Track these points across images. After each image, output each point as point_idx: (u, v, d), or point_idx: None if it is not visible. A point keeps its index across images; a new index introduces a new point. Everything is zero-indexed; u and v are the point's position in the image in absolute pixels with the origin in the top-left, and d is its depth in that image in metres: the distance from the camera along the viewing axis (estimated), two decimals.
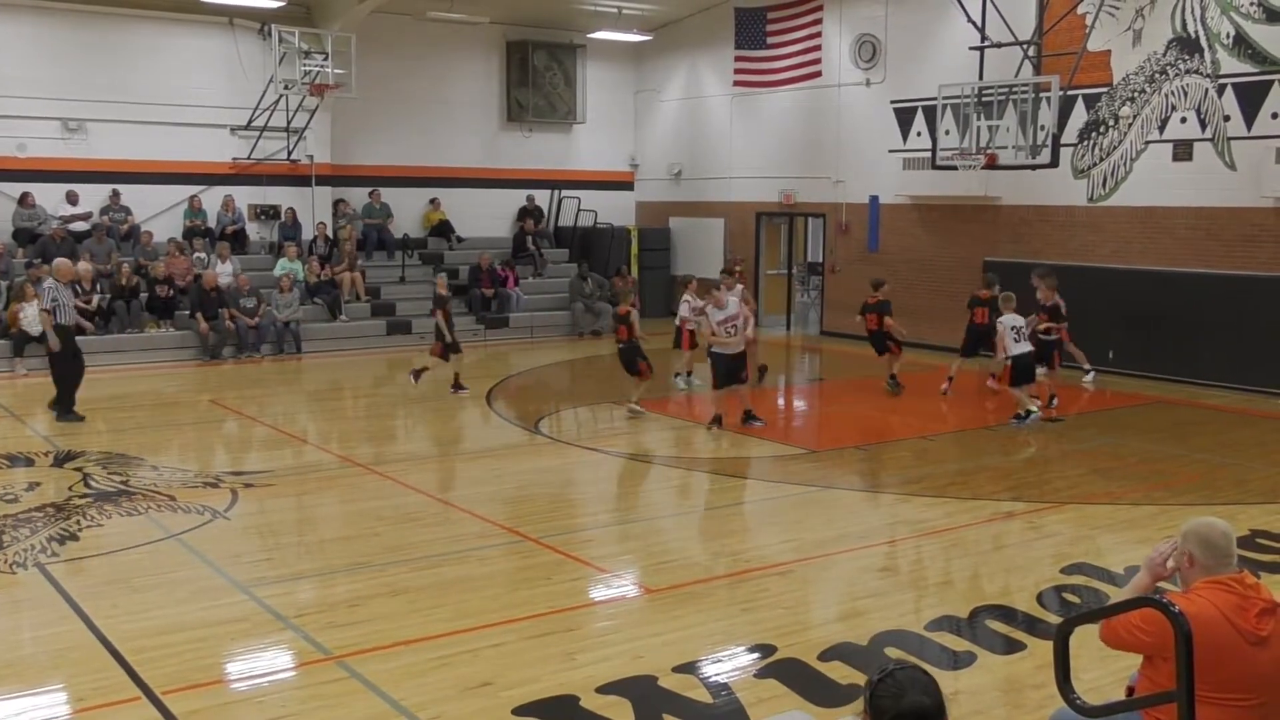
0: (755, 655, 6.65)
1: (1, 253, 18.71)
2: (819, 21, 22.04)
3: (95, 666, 6.44)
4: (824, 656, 6.58)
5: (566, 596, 7.76)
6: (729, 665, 6.54)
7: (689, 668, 6.43)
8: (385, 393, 17.15)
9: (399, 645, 6.75)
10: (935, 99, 17.83)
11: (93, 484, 10.50)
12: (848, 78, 21.71)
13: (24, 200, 19.75)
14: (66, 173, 20.18)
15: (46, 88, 19.78)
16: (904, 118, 20.69)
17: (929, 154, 19.05)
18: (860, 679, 6.09)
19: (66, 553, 8.48)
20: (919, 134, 20.35)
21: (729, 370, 13.20)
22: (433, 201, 24.18)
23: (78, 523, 9.22)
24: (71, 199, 20.25)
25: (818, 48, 22.14)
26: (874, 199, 21.41)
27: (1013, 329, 13.53)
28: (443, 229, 24.03)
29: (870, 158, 21.35)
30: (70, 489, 10.30)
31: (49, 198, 20.13)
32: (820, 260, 24.02)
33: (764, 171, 23.60)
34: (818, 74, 22.18)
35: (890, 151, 20.90)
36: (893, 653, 6.66)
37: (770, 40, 22.85)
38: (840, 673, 6.37)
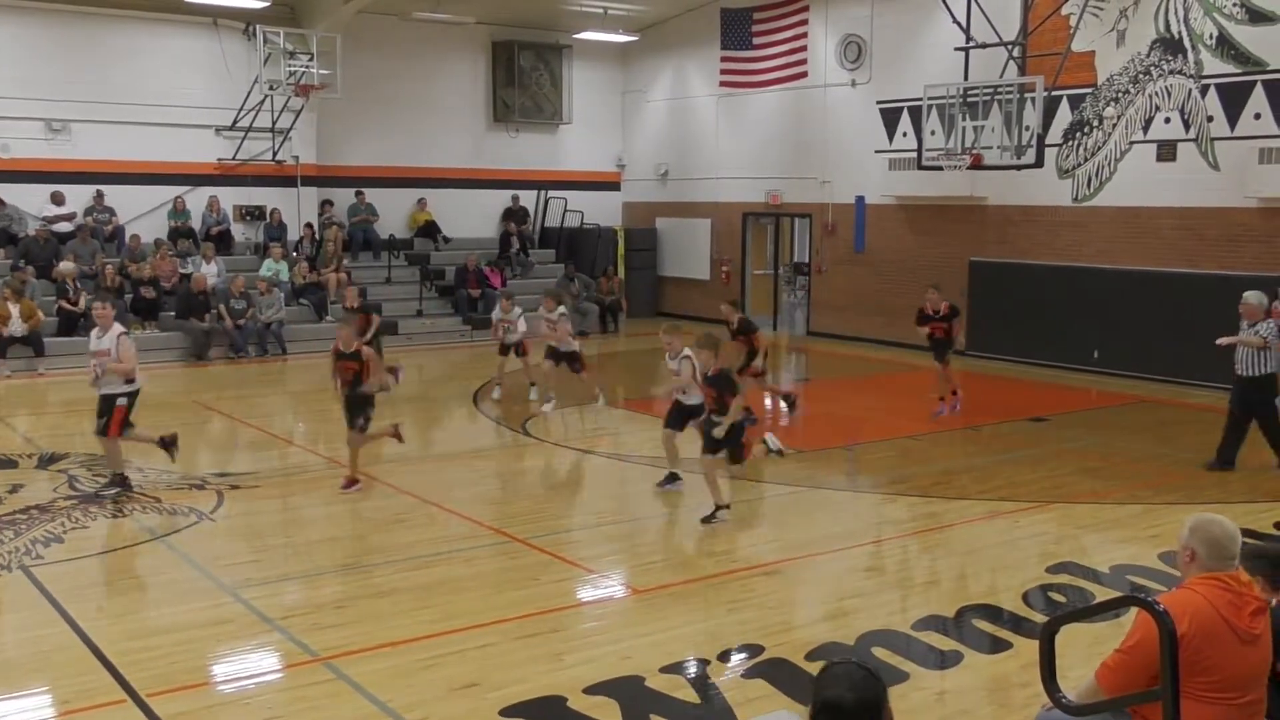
0: (743, 655, 6.66)
1: None
2: (805, 22, 22.07)
3: (80, 669, 6.41)
4: (811, 656, 6.59)
5: (554, 597, 7.75)
6: (716, 665, 6.54)
7: (676, 668, 6.43)
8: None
9: (386, 646, 6.74)
10: (921, 99, 17.88)
11: (78, 486, 10.45)
12: (833, 78, 21.75)
13: None
14: (50, 173, 20.09)
15: (30, 88, 19.68)
16: (890, 118, 20.74)
17: (915, 154, 19.09)
18: None
19: (51, 555, 8.44)
20: (905, 134, 20.40)
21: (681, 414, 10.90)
22: (419, 202, 24.14)
23: (62, 525, 9.18)
24: (56, 200, 20.15)
25: (803, 48, 22.17)
26: (860, 199, 21.45)
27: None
28: (429, 230, 24.00)
29: (856, 158, 21.40)
30: (55, 491, 10.25)
31: (33, 199, 20.03)
32: (807, 260, 24.06)
33: (750, 172, 23.62)
34: (804, 74, 22.22)
35: (876, 152, 20.94)
36: (879, 653, 6.68)
37: (756, 41, 22.88)
38: None
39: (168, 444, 10.66)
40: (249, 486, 10.62)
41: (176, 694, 6.09)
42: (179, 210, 21.27)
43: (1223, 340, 11.49)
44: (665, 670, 6.38)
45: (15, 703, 6.09)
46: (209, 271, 19.98)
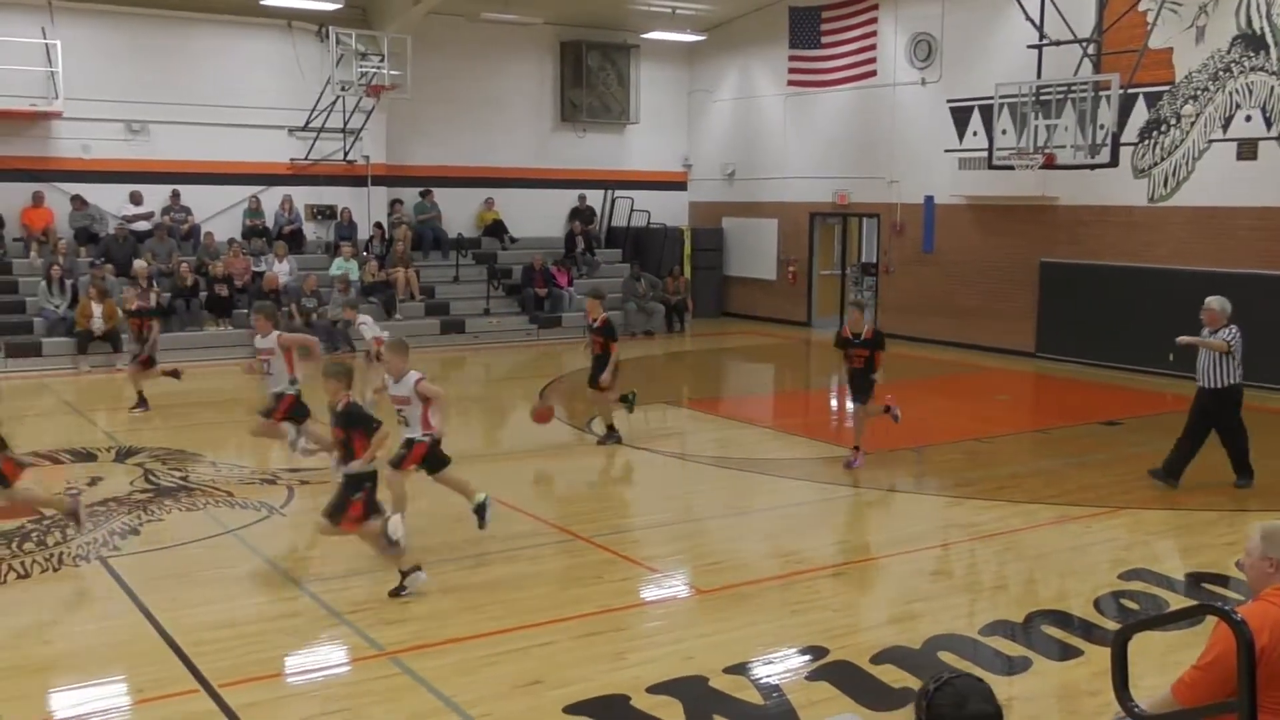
0: (807, 657, 6.62)
1: (65, 252, 19.07)
2: (874, 20, 21.88)
3: (154, 659, 6.55)
4: (876, 659, 6.54)
5: (617, 596, 7.77)
6: (780, 667, 6.52)
7: (740, 669, 6.41)
8: None
9: (450, 642, 6.80)
10: (992, 98, 17.65)
11: (153, 479, 10.68)
12: (903, 77, 21.54)
13: (76, 203, 20.08)
14: (129, 173, 20.54)
15: (110, 90, 20.14)
16: (960, 117, 20.49)
17: (985, 154, 18.86)
18: (913, 683, 6.06)
19: (128, 546, 8.63)
20: (975, 133, 20.14)
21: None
22: (487, 201, 24.32)
23: (139, 517, 9.39)
24: (135, 199, 20.61)
25: (873, 47, 21.98)
26: (929, 199, 21.22)
27: None
28: (496, 229, 24.17)
29: (925, 157, 21.17)
30: (131, 484, 10.48)
31: (112, 198, 20.50)
32: (874, 261, 23.86)
33: (818, 171, 23.48)
34: (872, 73, 22.03)
35: (946, 151, 20.70)
36: (946, 657, 6.60)
37: (825, 40, 22.72)
38: (892, 676, 6.33)
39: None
40: (318, 482, 10.76)
41: (247, 685, 6.20)
42: (254, 209, 21.66)
43: (1183, 339, 10.79)
44: (729, 671, 6.37)
45: (93, 690, 6.25)
46: (281, 270, 20.30)
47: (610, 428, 12.77)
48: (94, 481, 10.58)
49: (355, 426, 7.70)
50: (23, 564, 8.14)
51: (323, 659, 6.74)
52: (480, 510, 8.62)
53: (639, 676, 6.28)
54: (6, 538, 8.67)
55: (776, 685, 6.23)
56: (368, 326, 15.00)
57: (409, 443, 8.53)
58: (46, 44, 19.35)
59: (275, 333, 10.92)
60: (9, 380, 16.86)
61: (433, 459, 8.61)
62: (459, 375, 16.02)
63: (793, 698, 6.07)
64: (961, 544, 9.11)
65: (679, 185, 26.96)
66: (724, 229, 26.01)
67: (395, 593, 7.55)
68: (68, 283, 18.59)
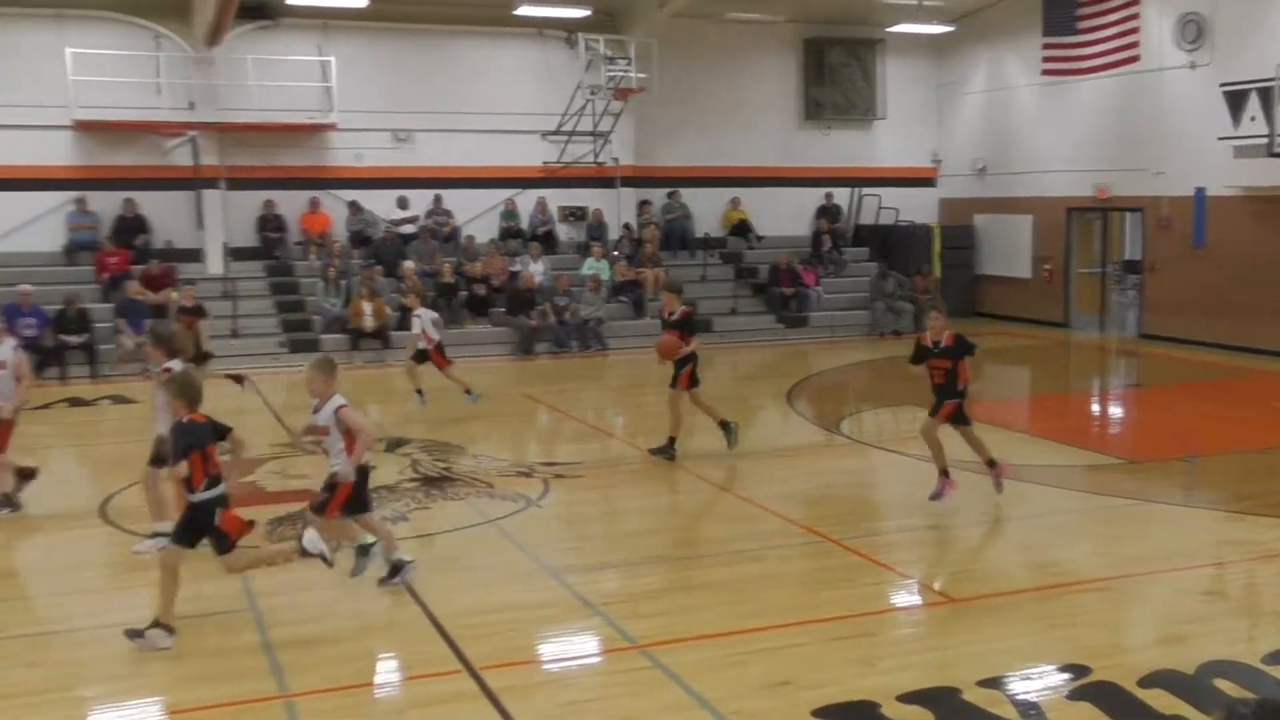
0: (1067, 675, 6.35)
1: (339, 254, 20.39)
2: (1136, 2, 20.69)
3: (422, 639, 6.93)
4: (1144, 683, 6.19)
5: (867, 600, 7.68)
6: (1038, 684, 6.27)
7: (995, 683, 6.22)
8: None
9: (700, 639, 6.88)
10: (1274, 79, 16.39)
11: (420, 469, 11.29)
12: (1170, 60, 20.29)
13: (353, 208, 21.45)
14: (396, 180, 21.79)
15: (380, 101, 21.42)
16: (1235, 101, 19.09)
17: (1265, 140, 17.54)
18: (1187, 711, 5.73)
19: (398, 532, 9.14)
20: (1253, 118, 18.71)
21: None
22: (733, 201, 24.45)
23: (407, 505, 9.94)
24: (401, 204, 21.85)
25: (1135, 30, 20.77)
26: (1200, 191, 19.91)
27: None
28: (742, 228, 24.27)
29: (1195, 146, 19.85)
30: (400, 473, 11.12)
31: (381, 204, 21.78)
32: (1139, 258, 22.59)
33: (1075, 164, 22.43)
34: (1135, 58, 20.82)
35: (1219, 139, 19.33)
36: (1223, 685, 6.19)
37: (1081, 25, 21.65)
38: (1163, 702, 5.98)
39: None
40: (573, 476, 11.12)
41: (506, 669, 6.47)
42: (510, 212, 22.55)
43: None
44: (983, 684, 6.19)
45: (365, 665, 6.68)
46: (536, 270, 21.05)
47: (725, 425, 11.79)
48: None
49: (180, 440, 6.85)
50: None
51: (576, 648, 6.96)
52: (363, 551, 7.81)
53: (889, 684, 6.19)
54: (293, 520, 9.35)
55: (1034, 703, 6.00)
56: (420, 320, 14.52)
57: (330, 485, 7.59)
58: (322, 61, 20.75)
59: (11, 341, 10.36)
60: (291, 374, 18.17)
61: (355, 502, 7.65)
62: (706, 374, 16.17)
63: (1052, 717, 5.84)
64: (1239, 563, 8.51)
65: (928, 181, 26.32)
66: (975, 226, 25.23)
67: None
68: (342, 283, 19.87)
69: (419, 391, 14.77)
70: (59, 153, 19.95)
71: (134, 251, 19.73)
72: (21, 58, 19.48)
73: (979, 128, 25.14)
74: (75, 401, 15.71)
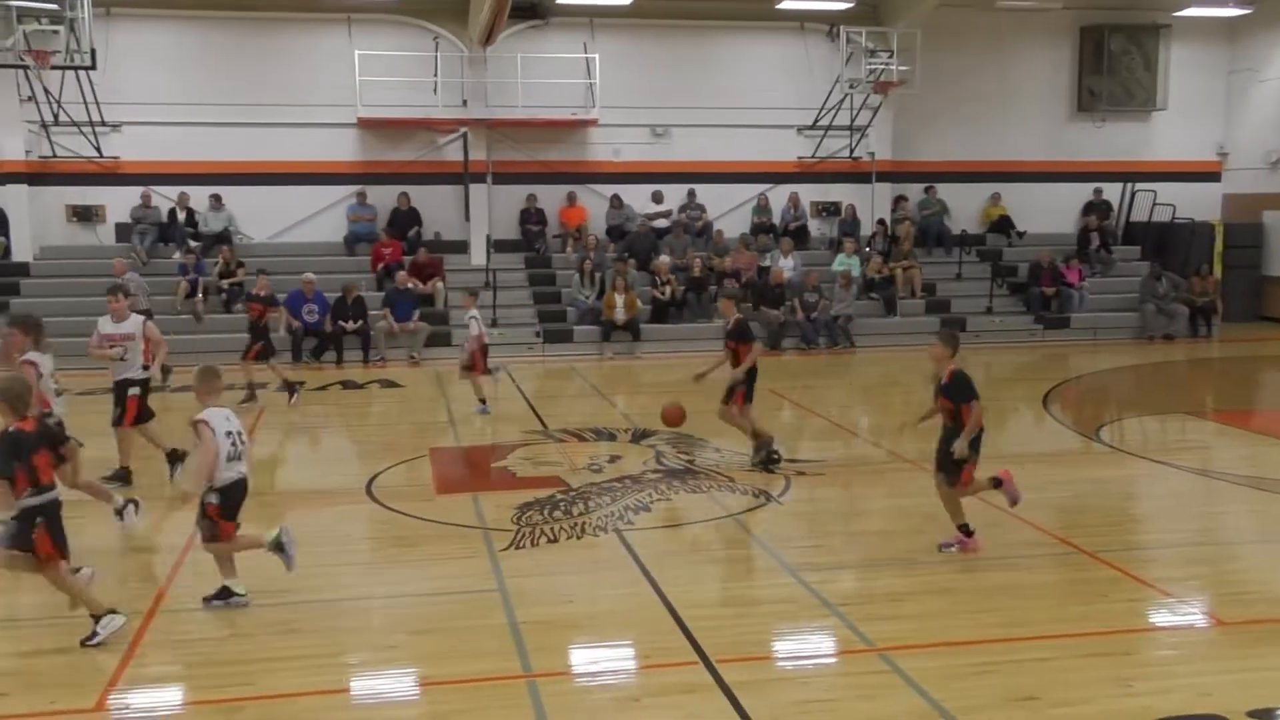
0: None
1: (595, 246, 20.91)
2: None
3: (659, 629, 7.00)
4: None
5: (1123, 617, 7.24)
6: None
7: (1268, 714, 5.74)
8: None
9: (941, 645, 6.67)
10: None
11: (664, 461, 11.43)
12: None
13: (614, 202, 21.96)
14: (652, 174, 22.14)
15: (639, 97, 21.81)
16: None
17: None
18: None
19: (640, 522, 9.31)
20: None
21: None
22: (993, 197, 23.58)
23: (650, 495, 10.09)
24: (656, 198, 22.21)
25: None
26: None
27: None
28: (1002, 225, 23.36)
29: None
30: (644, 464, 11.30)
31: (637, 198, 22.19)
32: None
33: None
34: None
35: None
36: None
37: None
38: None
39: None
40: (814, 474, 11.00)
41: (741, 663, 6.46)
42: (762, 206, 22.53)
43: None
44: (1254, 715, 5.72)
45: (605, 651, 6.81)
46: (785, 265, 20.95)
47: (762, 446, 11.11)
48: (613, 459, 11.52)
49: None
50: (552, 530, 9.03)
51: (813, 647, 6.88)
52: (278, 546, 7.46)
53: (1147, 707, 5.81)
54: (540, 506, 9.66)
55: None
56: (476, 321, 14.18)
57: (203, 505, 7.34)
58: (587, 58, 21.31)
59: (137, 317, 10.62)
60: (545, 363, 18.81)
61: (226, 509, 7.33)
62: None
63: None
64: None
65: (1211, 176, 24.55)
66: (1265, 224, 23.36)
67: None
68: (597, 275, 20.37)
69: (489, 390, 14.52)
70: (343, 149, 21.35)
71: (406, 243, 20.86)
72: (315, 61, 20.95)
73: (1275, 117, 23.24)
74: (348, 384, 16.77)
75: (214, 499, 7.25)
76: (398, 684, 6.41)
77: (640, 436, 12.65)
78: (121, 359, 10.30)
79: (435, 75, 20.99)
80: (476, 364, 14.09)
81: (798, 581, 7.85)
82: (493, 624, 7.09)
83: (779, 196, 22.65)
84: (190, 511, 7.56)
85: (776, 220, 22.58)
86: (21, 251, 20.02)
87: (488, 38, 19.82)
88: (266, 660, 6.56)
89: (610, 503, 9.79)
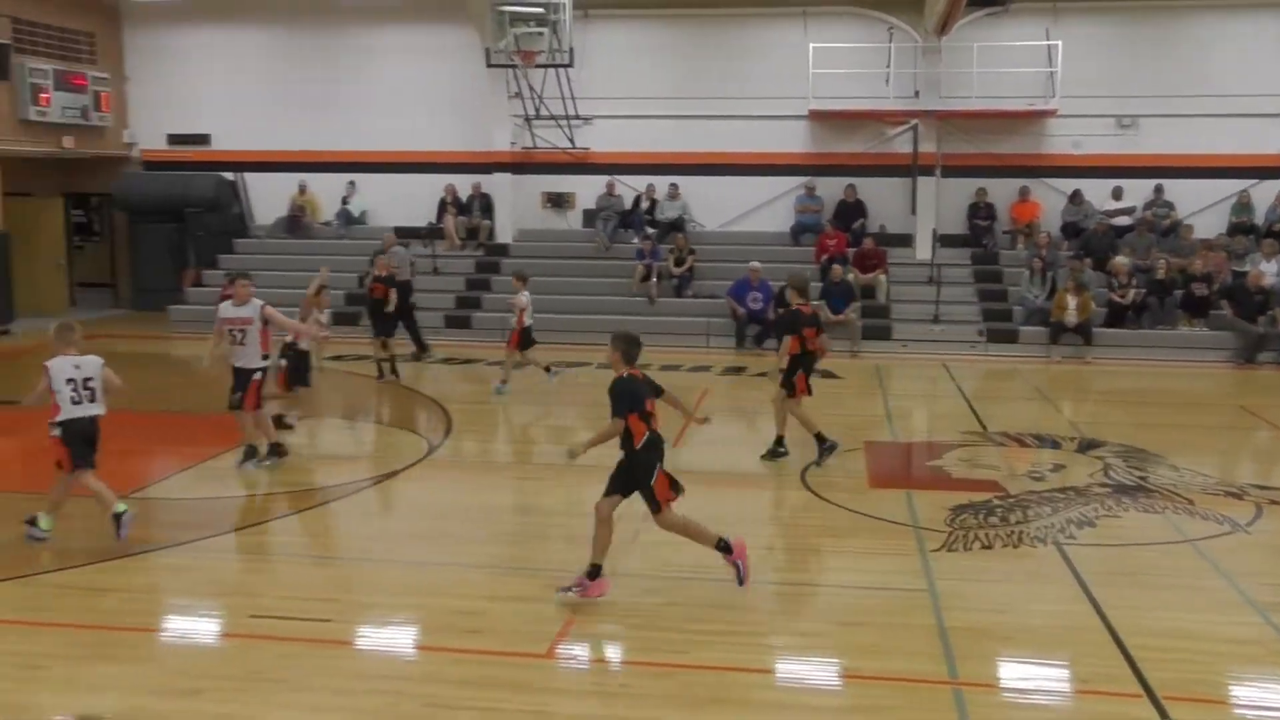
0: None
1: (1047, 244, 19.90)
2: None
3: (1098, 653, 6.59)
4: None
5: None
6: None
7: None
8: None
9: None
10: None
11: (1112, 475, 10.70)
12: None
13: (1074, 197, 20.79)
14: (1114, 168, 20.75)
15: (1103, 86, 20.51)
16: None
17: None
18: None
19: (1083, 537, 8.79)
20: None
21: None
22: None
23: (1095, 510, 9.49)
24: (1116, 194, 20.79)
25: None
26: None
27: None
28: None
29: None
30: (1090, 476, 10.63)
31: (1096, 193, 20.89)
32: None
33: None
34: None
35: None
36: None
37: None
38: None
39: None
40: None
41: (1193, 704, 5.95)
42: (1243, 204, 20.47)
43: None
44: None
45: (1038, 668, 6.51)
46: (1268, 270, 18.87)
47: (818, 441, 10.85)
48: (1056, 468, 10.94)
49: None
50: (986, 535, 8.74)
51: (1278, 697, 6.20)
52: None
53: None
54: (975, 509, 9.38)
55: None
56: (526, 300, 14.72)
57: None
58: (1048, 45, 20.31)
59: (257, 303, 10.49)
60: (987, 362, 18.20)
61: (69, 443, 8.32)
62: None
63: None
64: None
65: None
66: None
67: None
68: (1048, 274, 19.39)
69: (548, 369, 14.89)
70: (793, 141, 21.76)
71: (851, 235, 20.92)
72: (770, 55, 21.50)
73: None
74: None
75: (57, 432, 8.27)
76: (821, 672, 6.49)
77: (1088, 447, 11.92)
78: (240, 344, 10.41)
79: (888, 67, 20.85)
80: (514, 340, 14.80)
81: (1266, 622, 7.09)
82: (920, 624, 6.98)
83: (1264, 193, 20.43)
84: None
85: (1259, 219, 20.40)
86: (503, 233, 22.13)
87: (943, 27, 19.41)
88: (698, 632, 6.84)
89: (1051, 514, 9.32)
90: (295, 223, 22.62)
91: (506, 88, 21.62)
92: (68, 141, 21.77)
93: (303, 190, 22.91)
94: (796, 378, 10.92)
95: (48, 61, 21.17)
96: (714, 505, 9.58)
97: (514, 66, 20.56)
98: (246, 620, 7.08)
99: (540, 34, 19.72)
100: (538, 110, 21.58)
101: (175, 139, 23.49)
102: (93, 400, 8.39)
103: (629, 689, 6.18)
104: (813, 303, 18.76)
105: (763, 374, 11.99)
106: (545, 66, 20.45)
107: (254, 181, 23.40)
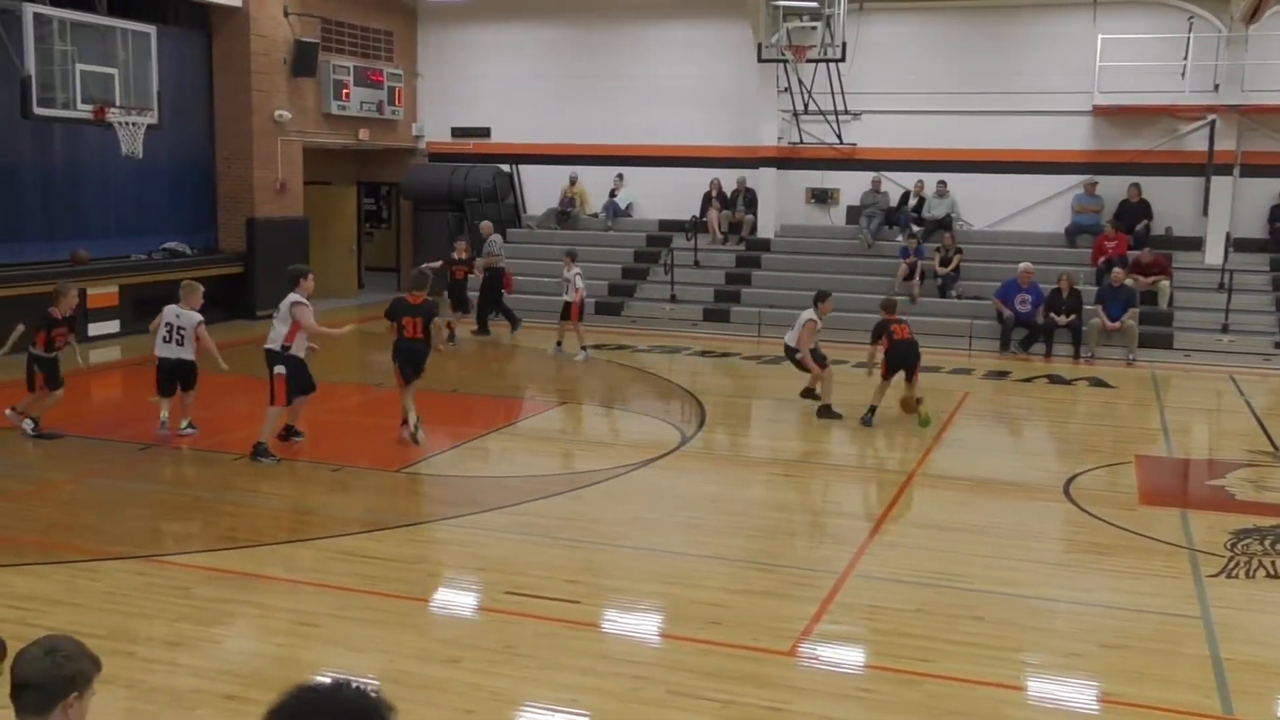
0: None
1: None
2: None
3: None
4: None
5: None
6: None
7: None
8: None
9: None
10: None
11: None
12: None
13: None
14: None
15: None
16: None
17: None
18: None
19: None
20: None
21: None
22: None
23: None
24: None
25: None
26: None
27: None
28: None
29: None
30: None
31: None
32: None
33: None
34: None
35: None
36: None
37: None
38: None
39: None
40: None
41: None
42: None
43: None
44: None
45: None
46: None
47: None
48: None
49: None
50: (1273, 563, 8.07)
51: None
52: None
53: None
54: (1261, 535, 8.69)
55: None
56: (579, 278, 16.20)
57: None
58: None
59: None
60: None
61: None
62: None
63: None
64: None
65: None
66: None
67: None
68: None
69: (583, 347, 16.30)
70: (1073, 137, 20.67)
71: (1133, 237, 19.72)
72: (1052, 47, 20.52)
73: None
74: (1054, 379, 16.25)
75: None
76: (1078, 694, 6.17)
77: None
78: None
79: (1185, 58, 19.51)
80: (574, 313, 16.14)
81: None
82: (1191, 653, 6.54)
83: None
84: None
85: None
86: (765, 229, 22.09)
87: (1253, 14, 17.97)
88: (949, 642, 6.63)
89: None
90: (565, 214, 23.35)
91: (775, 83, 21.56)
92: (364, 134, 23.25)
93: (573, 182, 23.60)
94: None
95: (350, 59, 22.67)
96: (972, 513, 9.31)
97: (785, 61, 20.47)
98: (503, 596, 7.38)
99: (813, 28, 19.55)
100: (806, 105, 21.43)
101: (458, 131, 24.69)
102: (180, 345, 10.60)
103: (871, 693, 6.07)
104: (1087, 307, 17.99)
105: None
106: (817, 61, 20.24)
107: (527, 173, 24.30)
